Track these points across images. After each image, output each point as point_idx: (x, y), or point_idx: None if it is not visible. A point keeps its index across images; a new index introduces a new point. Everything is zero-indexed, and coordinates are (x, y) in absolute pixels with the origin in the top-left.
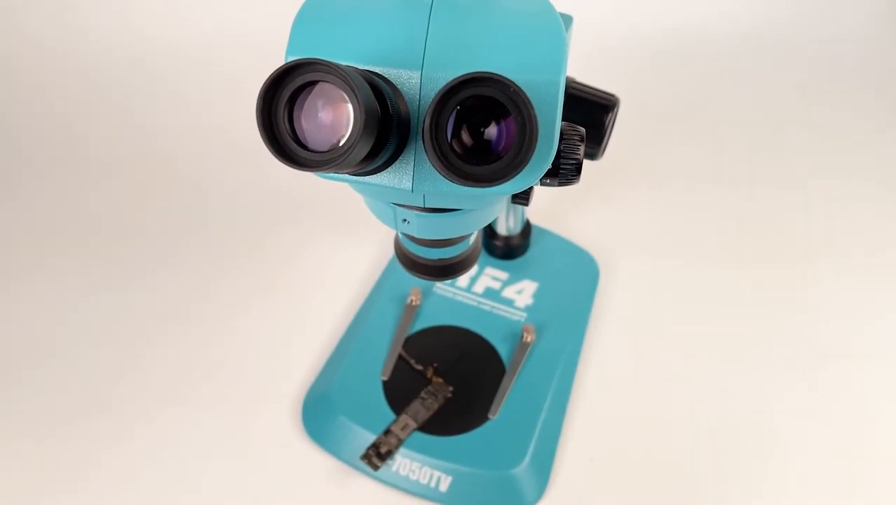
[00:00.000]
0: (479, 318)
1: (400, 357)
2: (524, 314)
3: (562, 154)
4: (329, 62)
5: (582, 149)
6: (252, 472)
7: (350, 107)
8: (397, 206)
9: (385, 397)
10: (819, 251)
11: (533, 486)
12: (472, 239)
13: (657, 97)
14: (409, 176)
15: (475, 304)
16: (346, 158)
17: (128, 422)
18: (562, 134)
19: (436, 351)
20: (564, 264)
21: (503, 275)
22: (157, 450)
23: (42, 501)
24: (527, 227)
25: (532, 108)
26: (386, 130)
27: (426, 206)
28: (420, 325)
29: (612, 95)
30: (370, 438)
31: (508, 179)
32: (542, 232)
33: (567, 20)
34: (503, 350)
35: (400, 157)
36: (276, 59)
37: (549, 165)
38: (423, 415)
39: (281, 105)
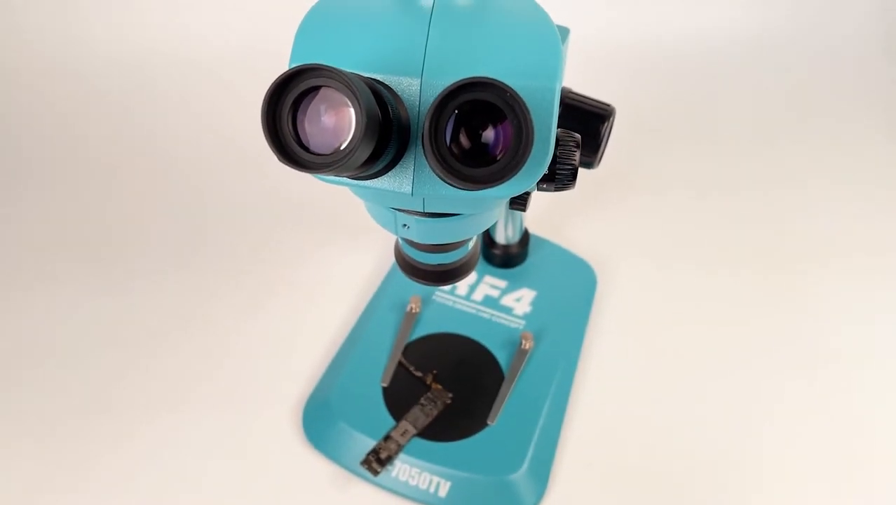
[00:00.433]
0: (478, 325)
1: (400, 364)
2: (522, 322)
3: (558, 159)
4: (332, 68)
5: (577, 155)
6: (252, 477)
7: (352, 111)
8: (398, 212)
9: (385, 404)
10: (816, 255)
11: (531, 491)
12: (471, 245)
13: (652, 107)
14: (408, 180)
15: (474, 311)
16: (347, 161)
17: (129, 424)
18: (558, 140)
19: (435, 358)
20: (562, 273)
21: (502, 283)
22: (158, 453)
23: (41, 501)
24: (525, 237)
25: (528, 111)
26: (386, 135)
27: (426, 210)
28: (420, 332)
29: (608, 105)
30: (370, 443)
31: (505, 181)
32: (540, 241)
33: (564, 32)
34: (502, 357)
35: (400, 162)
36: (280, 67)
37: (545, 170)
38: (423, 421)
39: (285, 109)
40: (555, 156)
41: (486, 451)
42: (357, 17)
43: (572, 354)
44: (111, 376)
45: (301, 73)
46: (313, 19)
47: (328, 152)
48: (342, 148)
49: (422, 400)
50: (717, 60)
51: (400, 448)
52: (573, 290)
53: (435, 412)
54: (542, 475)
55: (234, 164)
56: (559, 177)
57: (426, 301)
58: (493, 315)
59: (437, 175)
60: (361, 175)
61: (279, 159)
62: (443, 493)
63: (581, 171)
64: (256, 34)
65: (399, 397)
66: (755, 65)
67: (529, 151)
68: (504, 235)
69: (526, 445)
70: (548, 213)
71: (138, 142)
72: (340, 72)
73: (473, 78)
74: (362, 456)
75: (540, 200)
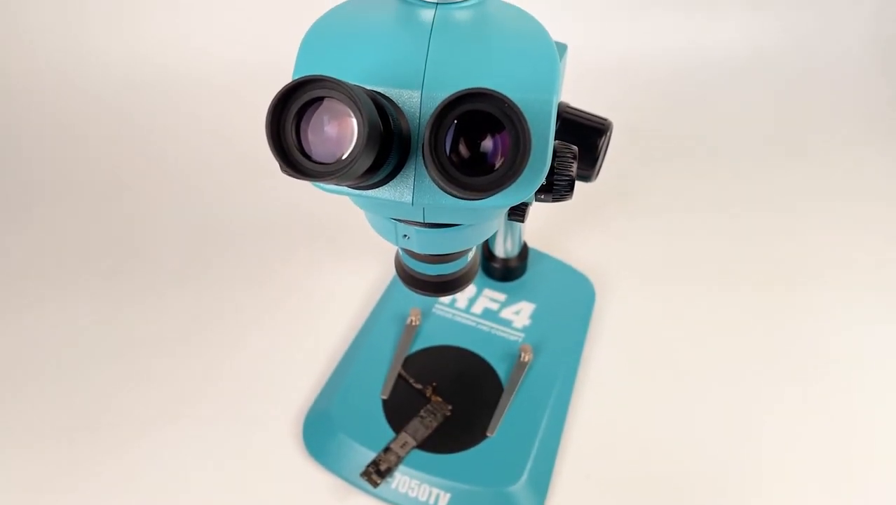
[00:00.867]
0: (478, 338)
1: (400, 376)
2: (522, 334)
3: (555, 171)
4: (336, 79)
5: (574, 166)
6: (253, 488)
7: (354, 122)
8: (398, 222)
9: (385, 416)
10: (812, 271)
11: (530, 503)
12: (470, 256)
13: (650, 123)
14: (409, 189)
15: (474, 324)
16: (349, 170)
17: (130, 434)
18: (555, 152)
19: (435, 370)
20: (561, 286)
21: (501, 296)
22: (159, 464)
23: None
24: (524, 250)
25: (525, 121)
26: (388, 145)
27: (426, 220)
28: (419, 344)
29: (606, 120)
30: (370, 455)
31: (504, 189)
32: (540, 255)
33: (562, 48)
34: (501, 370)
35: (401, 173)
36: (284, 80)
37: (542, 180)
38: (423, 433)
39: (289, 119)
40: (552, 167)
41: (485, 462)
42: (359, 32)
43: (571, 366)
44: (112, 388)
45: (305, 85)
46: (316, 33)
47: (330, 161)
48: (344, 157)
49: (421, 412)
50: (714, 77)
51: (400, 460)
52: (572, 303)
53: (434, 424)
54: (541, 487)
55: (238, 179)
56: (556, 187)
57: (426, 314)
58: (492, 328)
59: (437, 184)
60: (363, 185)
61: (282, 167)
62: (442, 504)
63: (579, 186)
64: (261, 49)
65: (399, 409)
66: (752, 81)
67: (527, 160)
68: (503, 249)
69: (525, 457)
70: (546, 228)
71: (144, 154)
72: (343, 83)
73: (472, 89)
74: (362, 468)
75: (538, 215)
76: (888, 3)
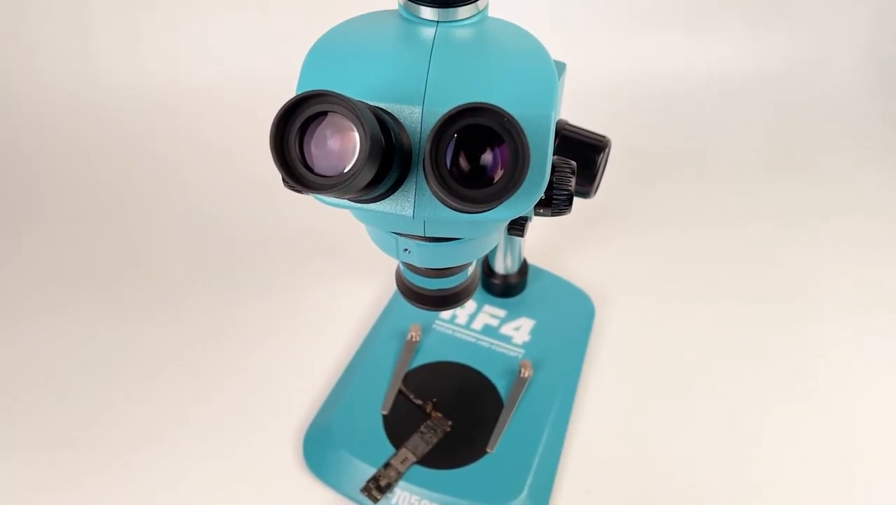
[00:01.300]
0: (478, 354)
1: (400, 392)
2: (521, 350)
3: (554, 185)
4: (339, 94)
5: (573, 181)
6: (253, 503)
7: (356, 136)
8: (399, 236)
9: (385, 431)
10: (810, 289)
11: None
12: (470, 270)
13: (649, 142)
14: (410, 203)
15: (474, 340)
16: (350, 183)
17: (129, 447)
18: (554, 166)
19: (435, 386)
20: (561, 302)
21: (501, 312)
22: (158, 478)
23: None
24: (524, 267)
25: (524, 134)
26: (389, 159)
27: (426, 233)
28: (420, 360)
29: (604, 137)
30: (370, 471)
31: (503, 201)
32: (539, 271)
33: (561, 67)
34: (501, 385)
35: (402, 186)
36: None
37: (541, 194)
38: (423, 449)
39: (293, 132)
40: (551, 181)
41: (485, 478)
42: (362, 49)
43: (571, 382)
44: (112, 401)
45: (309, 99)
46: (320, 50)
47: (333, 174)
48: (346, 171)
49: (421, 428)
50: (711, 97)
51: (400, 476)
52: (571, 319)
53: (435, 440)
54: (541, 502)
55: (240, 194)
56: (556, 202)
57: (426, 330)
58: (492, 344)
59: (438, 196)
60: (364, 198)
61: (285, 180)
62: None
63: (578, 203)
64: (265, 65)
65: (399, 425)
66: (748, 101)
67: (526, 173)
68: (503, 265)
69: (525, 473)
70: (546, 244)
71: (147, 168)
72: (346, 98)
73: (472, 103)
74: (362, 483)
75: (538, 232)
76: (883, 24)
